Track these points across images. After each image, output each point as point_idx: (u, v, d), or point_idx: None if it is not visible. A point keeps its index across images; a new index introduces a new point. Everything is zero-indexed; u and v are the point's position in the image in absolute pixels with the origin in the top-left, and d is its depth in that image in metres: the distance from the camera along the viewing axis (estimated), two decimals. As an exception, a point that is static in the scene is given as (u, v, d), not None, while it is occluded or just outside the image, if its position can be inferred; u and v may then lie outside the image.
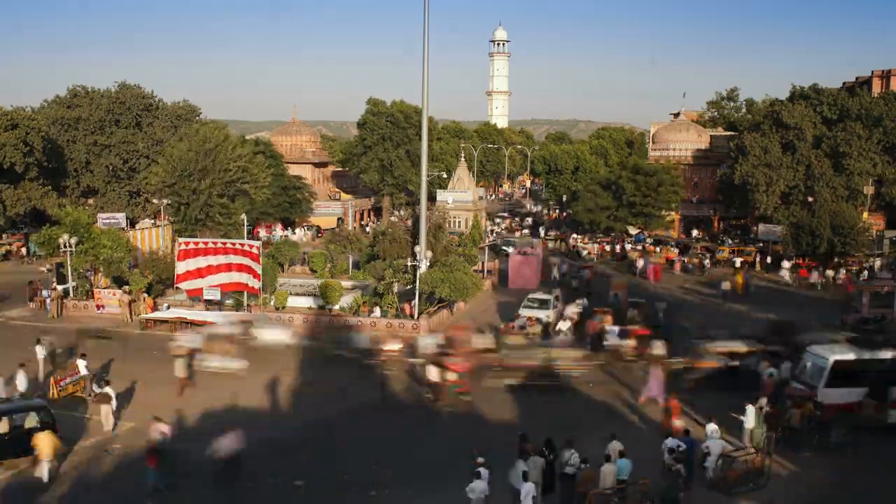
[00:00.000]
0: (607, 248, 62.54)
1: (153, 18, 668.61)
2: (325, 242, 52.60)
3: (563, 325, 32.27)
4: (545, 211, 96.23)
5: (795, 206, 56.81)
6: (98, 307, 36.74)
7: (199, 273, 35.52)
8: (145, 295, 36.35)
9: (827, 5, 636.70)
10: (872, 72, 70.55)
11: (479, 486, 15.78)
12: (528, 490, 15.68)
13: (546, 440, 17.75)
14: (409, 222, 42.29)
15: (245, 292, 35.92)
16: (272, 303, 36.74)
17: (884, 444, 20.78)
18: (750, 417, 20.42)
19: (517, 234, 72.93)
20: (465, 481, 16.19)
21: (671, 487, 17.03)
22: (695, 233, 70.18)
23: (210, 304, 35.74)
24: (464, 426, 22.63)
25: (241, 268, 35.39)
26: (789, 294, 44.71)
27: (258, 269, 35.49)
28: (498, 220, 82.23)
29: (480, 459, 16.31)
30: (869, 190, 56.55)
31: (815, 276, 47.36)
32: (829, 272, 48.13)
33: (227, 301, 36.12)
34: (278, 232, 68.48)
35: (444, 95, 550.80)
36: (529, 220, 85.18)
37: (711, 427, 19.05)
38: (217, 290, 35.36)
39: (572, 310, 34.43)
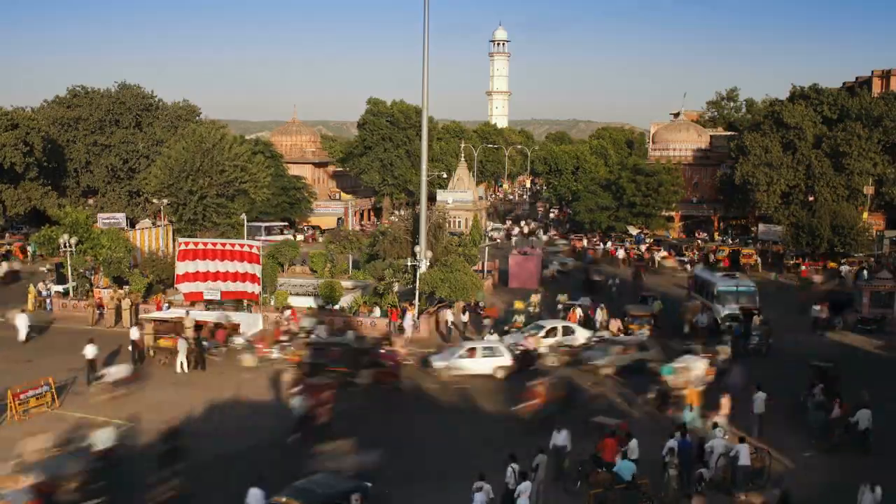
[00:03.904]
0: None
1: (153, 18, 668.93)
2: (326, 242, 52.58)
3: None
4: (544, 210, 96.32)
5: (795, 205, 56.82)
6: (99, 306, 36.67)
7: (199, 277, 35.37)
8: (140, 298, 36.15)
9: (827, 5, 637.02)
10: (872, 72, 70.59)
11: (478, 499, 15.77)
12: (524, 489, 15.82)
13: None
14: (409, 221, 42.19)
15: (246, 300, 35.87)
16: (272, 303, 36.74)
17: (885, 444, 20.76)
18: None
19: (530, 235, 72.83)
20: (466, 482, 16.21)
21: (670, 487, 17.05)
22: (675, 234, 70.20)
23: (210, 305, 35.68)
24: (467, 426, 22.62)
25: (238, 276, 35.12)
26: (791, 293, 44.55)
27: (258, 271, 35.38)
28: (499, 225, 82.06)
29: (478, 484, 16.00)
30: (869, 190, 56.60)
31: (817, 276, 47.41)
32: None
33: (226, 301, 36.03)
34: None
35: (444, 95, 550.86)
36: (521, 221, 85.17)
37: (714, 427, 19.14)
38: (217, 291, 35.31)
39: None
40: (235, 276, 35.20)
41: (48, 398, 23.41)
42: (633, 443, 18.32)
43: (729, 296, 33.50)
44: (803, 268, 49.89)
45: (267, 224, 64.99)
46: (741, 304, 32.97)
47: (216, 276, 35.27)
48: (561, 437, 18.56)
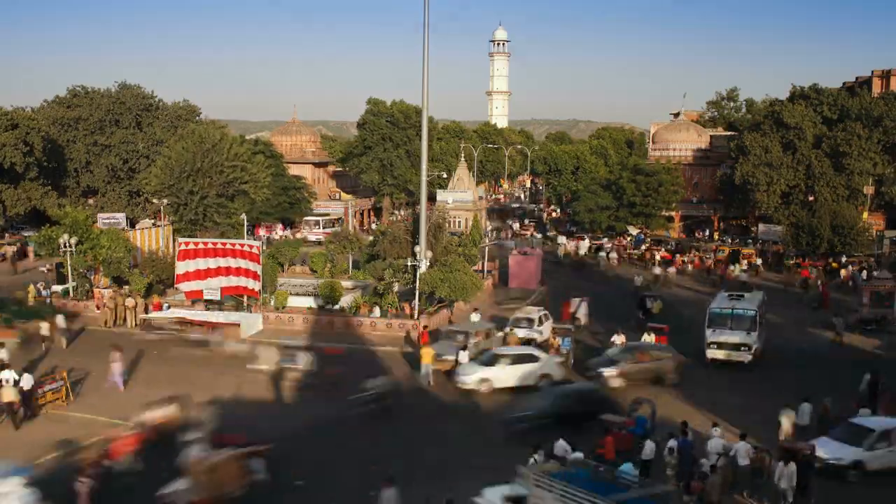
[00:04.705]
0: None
1: (153, 18, 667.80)
2: (326, 242, 52.59)
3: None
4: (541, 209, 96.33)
5: (795, 205, 56.83)
6: (98, 307, 36.69)
7: (199, 275, 35.46)
8: (139, 300, 36.12)
9: (827, 5, 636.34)
10: (872, 72, 70.56)
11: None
12: None
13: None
14: (410, 220, 42.24)
15: (245, 295, 35.95)
16: (272, 303, 36.76)
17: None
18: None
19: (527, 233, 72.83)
20: (468, 482, 16.20)
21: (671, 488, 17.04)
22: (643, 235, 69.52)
23: (210, 304, 35.76)
24: (466, 429, 22.62)
25: (240, 272, 35.25)
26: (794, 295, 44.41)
27: (258, 270, 35.47)
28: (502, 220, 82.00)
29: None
30: (869, 190, 56.59)
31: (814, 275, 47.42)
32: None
33: (227, 301, 36.12)
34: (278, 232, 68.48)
35: (444, 95, 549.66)
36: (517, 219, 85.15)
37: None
38: (217, 291, 35.37)
39: None
40: (238, 272, 35.25)
41: (63, 394, 23.64)
42: (649, 444, 18.31)
43: (722, 318, 28.91)
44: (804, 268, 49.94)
45: (322, 218, 70.55)
46: (733, 329, 28.49)
47: (217, 272, 35.34)
48: (559, 447, 18.37)
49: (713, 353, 28.31)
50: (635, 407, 21.32)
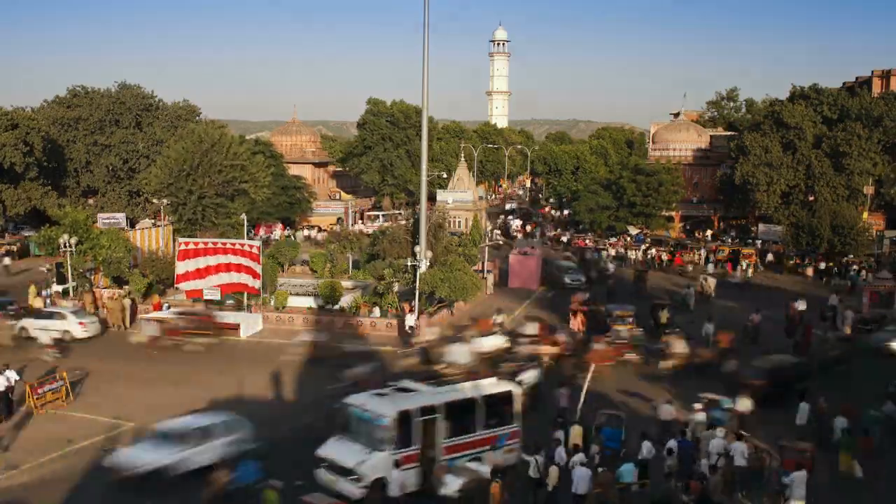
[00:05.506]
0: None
1: (153, 18, 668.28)
2: (326, 242, 52.62)
3: None
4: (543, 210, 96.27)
5: (795, 205, 56.84)
6: (97, 307, 36.65)
7: (199, 274, 35.48)
8: (131, 300, 36.08)
9: (827, 5, 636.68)
10: (872, 72, 70.62)
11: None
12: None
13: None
14: (409, 222, 42.23)
15: (245, 292, 35.96)
16: (272, 303, 36.76)
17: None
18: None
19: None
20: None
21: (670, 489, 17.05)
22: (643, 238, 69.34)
23: (210, 304, 35.73)
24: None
25: (240, 268, 35.32)
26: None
27: (258, 268, 35.49)
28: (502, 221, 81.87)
29: None
30: (869, 190, 56.61)
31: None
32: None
33: (227, 301, 36.13)
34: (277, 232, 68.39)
35: (444, 95, 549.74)
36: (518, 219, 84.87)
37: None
38: (217, 290, 35.38)
39: None
40: (238, 269, 35.28)
41: (63, 394, 23.72)
42: (647, 445, 18.30)
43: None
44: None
45: (384, 213, 77.07)
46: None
47: (217, 269, 35.36)
48: (558, 452, 18.18)
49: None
50: (605, 421, 20.67)
